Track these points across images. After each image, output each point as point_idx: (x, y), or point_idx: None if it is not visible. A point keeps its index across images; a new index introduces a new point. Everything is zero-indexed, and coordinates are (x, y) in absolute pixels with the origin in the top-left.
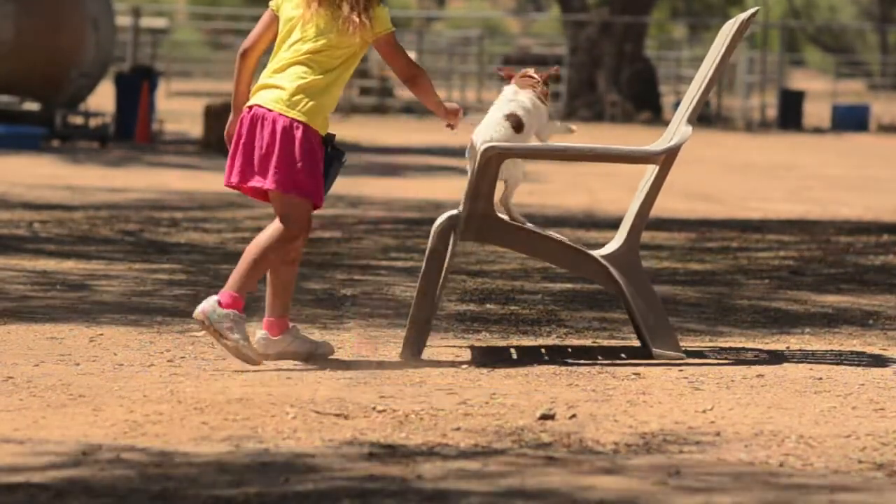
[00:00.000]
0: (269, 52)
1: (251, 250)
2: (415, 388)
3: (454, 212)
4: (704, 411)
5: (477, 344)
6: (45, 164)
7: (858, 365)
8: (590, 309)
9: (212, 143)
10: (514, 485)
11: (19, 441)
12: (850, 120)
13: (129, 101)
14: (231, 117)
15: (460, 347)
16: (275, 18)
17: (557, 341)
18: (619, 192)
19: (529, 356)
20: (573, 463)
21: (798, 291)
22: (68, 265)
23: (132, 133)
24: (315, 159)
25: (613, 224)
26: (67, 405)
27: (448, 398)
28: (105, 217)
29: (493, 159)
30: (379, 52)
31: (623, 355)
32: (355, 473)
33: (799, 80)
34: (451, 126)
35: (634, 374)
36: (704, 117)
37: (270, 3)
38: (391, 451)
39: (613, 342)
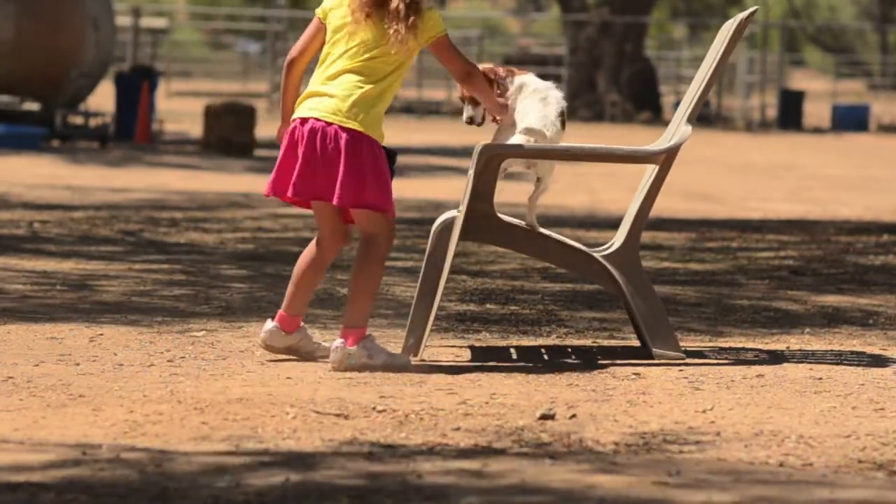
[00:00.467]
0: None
1: (360, 282)
2: (415, 388)
3: (454, 212)
4: (704, 411)
5: (477, 344)
6: (45, 164)
7: (858, 365)
8: (590, 309)
9: (212, 143)
10: (514, 485)
11: (19, 441)
12: (850, 120)
13: (129, 101)
14: (280, 125)
15: (460, 347)
16: (321, 27)
17: (557, 341)
18: (619, 191)
19: (529, 356)
20: (573, 463)
21: (798, 291)
22: (68, 265)
23: (132, 133)
24: (382, 169)
25: (614, 224)
26: (67, 405)
27: (448, 398)
28: (105, 217)
29: (492, 160)
30: (435, 56)
31: (623, 355)
32: (355, 473)
33: (799, 80)
34: (497, 121)
35: (634, 374)
36: (704, 117)
37: (317, 12)
38: (391, 451)
39: (613, 342)
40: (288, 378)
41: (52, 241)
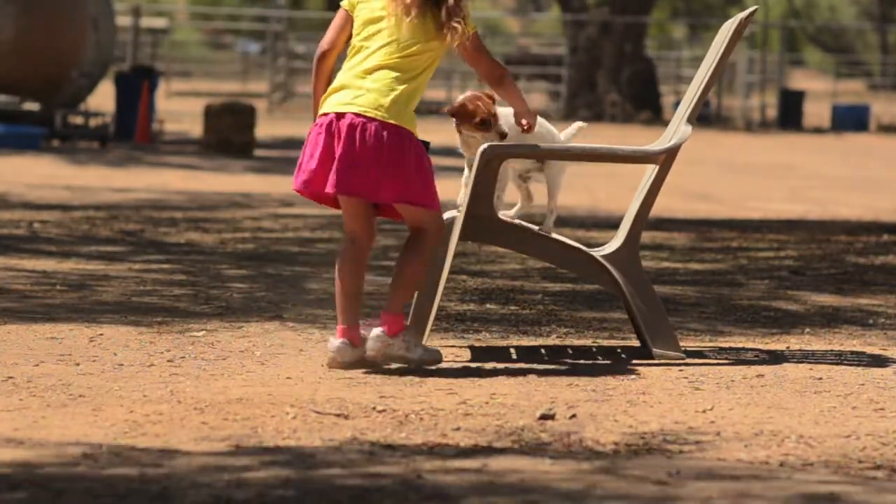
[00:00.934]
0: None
1: (406, 272)
2: (415, 388)
3: (454, 212)
4: (704, 411)
5: (477, 344)
6: (45, 164)
7: (858, 365)
8: (590, 309)
9: (212, 143)
10: (514, 484)
11: (19, 441)
12: (850, 120)
13: (129, 101)
14: (314, 120)
15: (460, 347)
16: (349, 18)
17: (557, 341)
18: (619, 191)
19: (529, 356)
20: (573, 463)
21: (798, 291)
22: (68, 265)
23: (132, 133)
24: (426, 166)
25: (614, 224)
26: (67, 405)
27: (448, 398)
28: (105, 217)
29: (492, 160)
30: (463, 55)
31: (623, 355)
32: (355, 473)
33: (799, 80)
34: (527, 129)
35: (634, 374)
36: (704, 117)
37: (343, 3)
38: (391, 451)
39: (613, 342)
40: (288, 378)
41: (52, 241)
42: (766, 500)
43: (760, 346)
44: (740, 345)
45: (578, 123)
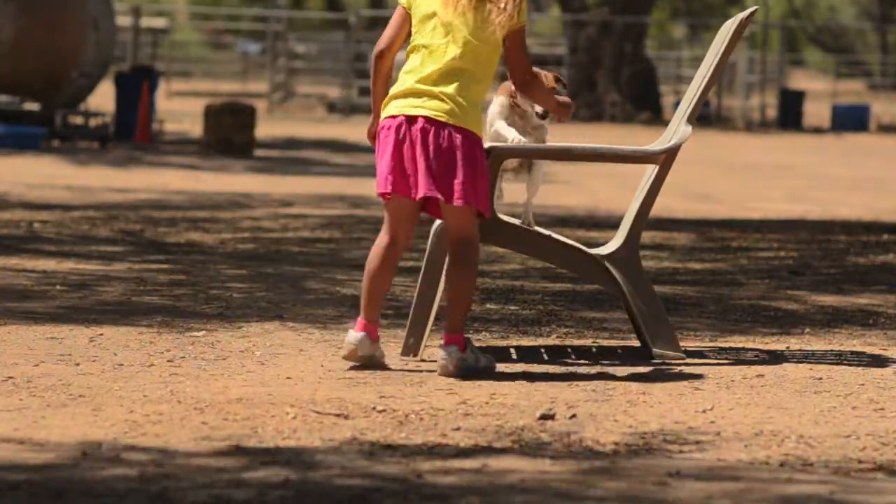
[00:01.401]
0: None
1: (461, 286)
2: (415, 388)
3: None
4: (704, 411)
5: (477, 344)
6: (45, 164)
7: (858, 365)
8: (590, 309)
9: (212, 143)
10: (514, 484)
11: (19, 441)
12: (850, 120)
13: (129, 101)
14: (372, 122)
15: None
16: (406, 16)
17: (557, 341)
18: (619, 191)
19: (529, 356)
20: (573, 463)
21: (798, 291)
22: (68, 265)
23: (132, 133)
24: (486, 170)
25: (614, 224)
26: (67, 405)
27: (448, 398)
28: (105, 217)
29: (494, 161)
30: (507, 44)
31: (623, 355)
32: (355, 473)
33: (799, 80)
34: (560, 120)
35: (634, 374)
36: (704, 117)
37: (401, 1)
38: (391, 451)
39: (613, 342)
40: (288, 378)
41: (52, 241)
42: (766, 500)
43: (760, 346)
44: (740, 345)
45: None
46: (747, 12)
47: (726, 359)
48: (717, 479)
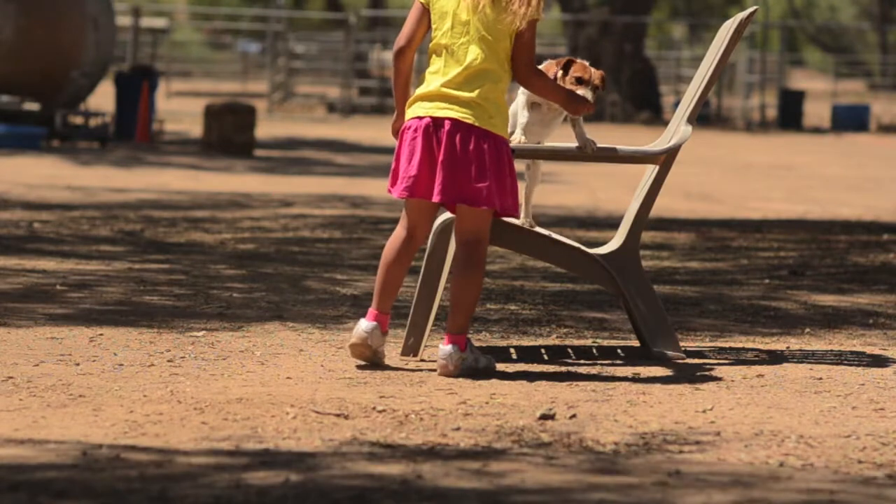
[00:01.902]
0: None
1: (469, 288)
2: (415, 388)
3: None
4: (704, 411)
5: (477, 344)
6: (45, 164)
7: (858, 365)
8: (590, 309)
9: (212, 143)
10: (514, 485)
11: (19, 441)
12: (850, 120)
13: (129, 101)
14: (395, 119)
15: None
16: (425, 11)
17: (557, 341)
18: (619, 191)
19: (529, 356)
20: (573, 463)
21: (798, 291)
22: (68, 265)
23: (132, 133)
24: (514, 173)
25: (614, 224)
26: (67, 405)
27: (448, 398)
28: (105, 217)
29: None
30: (517, 37)
31: (623, 355)
32: (355, 473)
33: (799, 80)
34: (577, 114)
35: (634, 374)
36: (704, 117)
37: None
38: (391, 451)
39: (613, 342)
40: (288, 378)
41: (52, 241)
42: (766, 500)
43: (760, 346)
44: (740, 345)
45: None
46: (747, 12)
47: (726, 359)
48: (717, 478)
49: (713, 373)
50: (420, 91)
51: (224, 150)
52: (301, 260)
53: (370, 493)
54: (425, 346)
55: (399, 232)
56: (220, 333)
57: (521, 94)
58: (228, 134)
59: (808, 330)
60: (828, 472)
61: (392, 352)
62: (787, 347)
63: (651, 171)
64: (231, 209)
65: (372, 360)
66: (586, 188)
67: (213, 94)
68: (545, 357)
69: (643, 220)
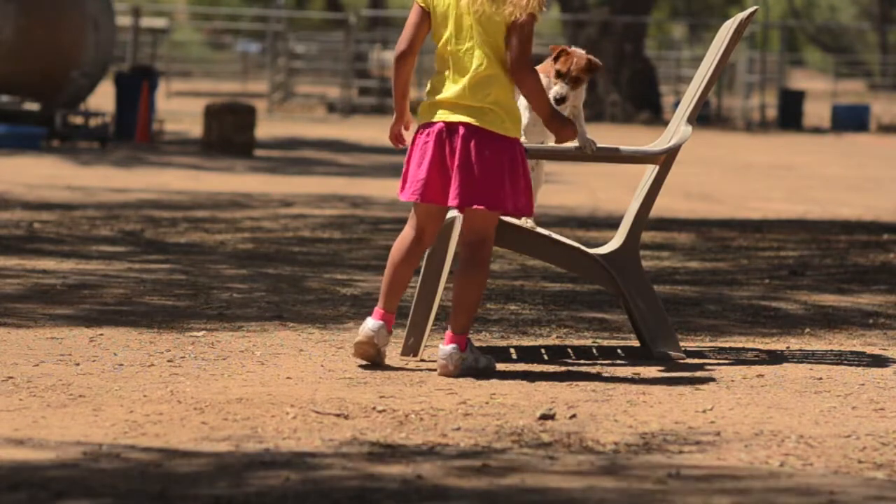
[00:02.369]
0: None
1: (472, 288)
2: (415, 388)
3: (454, 212)
4: (704, 411)
5: (477, 344)
6: (45, 164)
7: (858, 365)
8: (590, 309)
9: (212, 143)
10: (514, 484)
11: (19, 441)
12: (850, 120)
13: (129, 101)
14: (395, 122)
15: None
16: (424, 14)
17: (557, 341)
18: (619, 191)
19: (529, 356)
20: (573, 463)
21: (798, 291)
22: (68, 265)
23: (132, 133)
24: (528, 173)
25: (614, 224)
26: (67, 405)
27: (448, 398)
28: (105, 217)
29: None
30: (510, 31)
31: (623, 355)
32: (355, 473)
33: (799, 80)
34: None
35: (634, 374)
36: (704, 117)
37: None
38: (391, 451)
39: (613, 342)
40: (288, 378)
41: (52, 241)
42: (766, 500)
43: (760, 346)
44: (740, 345)
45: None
46: (747, 12)
47: (726, 359)
48: (717, 479)
49: (713, 373)
50: (431, 98)
51: (224, 150)
52: (301, 260)
53: (370, 493)
54: (425, 346)
55: (407, 232)
56: (220, 333)
57: (522, 97)
58: (228, 134)
59: (808, 330)
60: (828, 472)
61: (392, 352)
62: (787, 347)
63: (651, 171)
64: (231, 209)
65: (374, 360)
66: (586, 188)
67: (213, 94)
68: (545, 357)
69: (643, 220)
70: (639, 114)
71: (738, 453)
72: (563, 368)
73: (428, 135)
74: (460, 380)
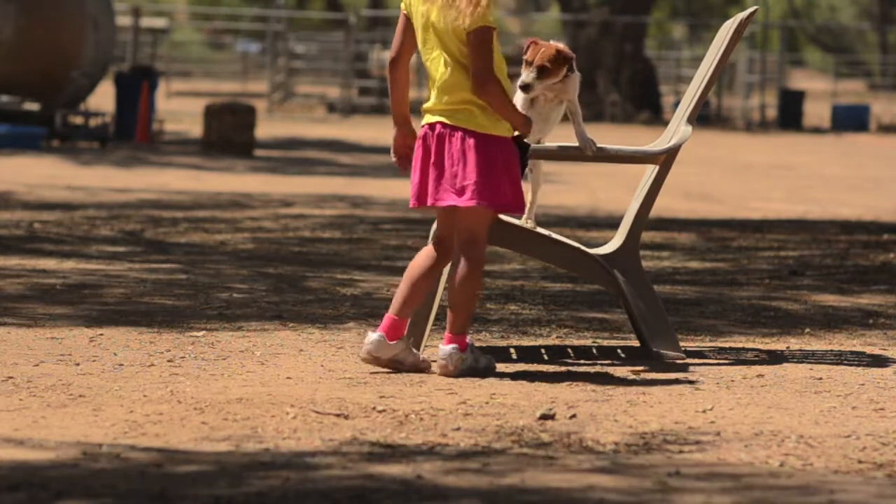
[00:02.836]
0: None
1: (466, 289)
2: (415, 388)
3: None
4: (704, 411)
5: (477, 344)
6: (45, 164)
7: (858, 365)
8: (590, 309)
9: (212, 143)
10: (514, 484)
11: (19, 441)
12: (850, 120)
13: (129, 101)
14: (396, 132)
15: None
16: (408, 23)
17: (557, 341)
18: (619, 191)
19: (529, 356)
20: (573, 463)
21: (798, 291)
22: (68, 265)
23: (132, 133)
24: (513, 166)
25: (614, 224)
26: (67, 405)
27: (448, 398)
28: (105, 217)
29: None
30: (467, 44)
31: (623, 355)
32: (355, 473)
33: (799, 80)
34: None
35: (634, 374)
36: (704, 117)
37: (401, 5)
38: (391, 451)
39: (613, 342)
40: (288, 378)
41: (52, 241)
42: (766, 500)
43: (760, 346)
44: (740, 345)
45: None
46: (747, 12)
47: (726, 359)
48: (717, 479)
49: (713, 373)
50: (424, 106)
51: (224, 150)
52: (301, 260)
53: (370, 493)
54: (425, 346)
55: (431, 242)
56: (220, 333)
57: (519, 94)
58: (228, 134)
59: (808, 330)
60: (828, 472)
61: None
62: (787, 347)
63: (651, 171)
64: (231, 209)
65: (392, 367)
66: (586, 188)
67: (213, 94)
68: (545, 357)
69: (643, 220)
70: (639, 114)
71: (738, 453)
72: (563, 368)
73: (419, 140)
74: (460, 380)
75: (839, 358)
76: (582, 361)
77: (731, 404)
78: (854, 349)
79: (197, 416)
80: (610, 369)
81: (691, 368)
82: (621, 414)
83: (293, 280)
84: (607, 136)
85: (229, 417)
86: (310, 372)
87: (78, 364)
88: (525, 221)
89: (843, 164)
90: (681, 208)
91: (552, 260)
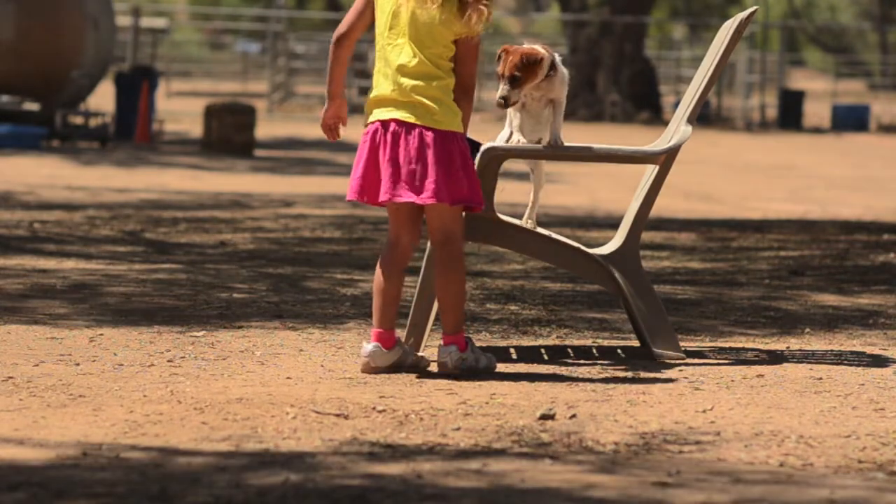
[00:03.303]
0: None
1: (451, 287)
2: (415, 388)
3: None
4: (704, 411)
5: (477, 344)
6: (45, 164)
7: (858, 365)
8: (590, 309)
9: (212, 143)
10: (514, 485)
11: (19, 441)
12: (850, 120)
13: (129, 101)
14: (327, 105)
15: None
16: (368, 3)
17: (557, 341)
18: (619, 191)
19: (529, 356)
20: (573, 463)
21: (798, 291)
22: (68, 265)
23: (132, 133)
24: (470, 163)
25: (614, 224)
26: (67, 405)
27: (448, 398)
28: (105, 217)
29: (493, 161)
30: (464, 46)
31: (623, 355)
32: (355, 473)
33: (799, 80)
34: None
35: (634, 374)
36: (704, 117)
37: None
38: (391, 451)
39: (613, 342)
40: (288, 378)
41: (52, 241)
42: (765, 500)
43: (760, 346)
44: (740, 345)
45: None
46: (747, 12)
47: (726, 359)
48: (717, 478)
49: (713, 373)
50: (372, 95)
51: (224, 150)
52: (301, 260)
53: (370, 493)
54: (425, 346)
55: (386, 244)
56: (220, 333)
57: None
58: (228, 134)
59: (808, 330)
60: (828, 472)
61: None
62: (787, 347)
63: (651, 171)
64: (231, 209)
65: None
66: (586, 188)
67: (213, 94)
68: (545, 357)
69: (643, 220)
70: (639, 114)
71: (738, 453)
72: (563, 368)
73: (366, 135)
74: (460, 380)
75: (839, 358)
76: (582, 361)
77: (731, 404)
78: (854, 349)
79: (197, 416)
80: (610, 369)
81: (691, 368)
82: (621, 414)
83: (293, 280)
84: (607, 136)
85: (229, 417)
86: (310, 372)
87: (78, 364)
88: (525, 221)
89: (843, 164)
90: (681, 208)
91: (552, 260)
